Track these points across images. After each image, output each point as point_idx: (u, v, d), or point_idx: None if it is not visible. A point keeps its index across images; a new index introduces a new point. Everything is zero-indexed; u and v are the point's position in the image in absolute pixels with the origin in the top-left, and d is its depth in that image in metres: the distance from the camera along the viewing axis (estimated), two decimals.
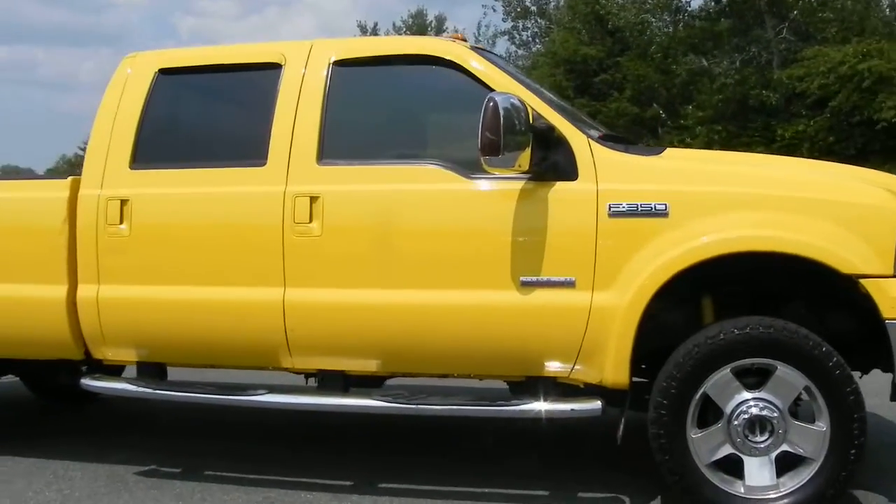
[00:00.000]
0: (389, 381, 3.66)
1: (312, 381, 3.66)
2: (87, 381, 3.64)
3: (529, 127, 2.98)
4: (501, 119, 2.90)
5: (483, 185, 3.20)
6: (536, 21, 30.89)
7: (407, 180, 3.27)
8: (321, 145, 3.35)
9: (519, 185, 3.14)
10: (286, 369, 3.49)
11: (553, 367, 3.19)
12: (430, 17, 42.88)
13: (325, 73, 3.44)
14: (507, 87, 3.24)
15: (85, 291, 3.56)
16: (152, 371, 3.66)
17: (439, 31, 42.80)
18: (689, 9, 22.12)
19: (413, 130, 3.61)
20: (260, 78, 3.57)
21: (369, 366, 3.37)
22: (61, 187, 3.65)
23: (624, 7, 23.68)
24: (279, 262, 3.32)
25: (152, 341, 3.55)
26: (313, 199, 3.29)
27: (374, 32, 41.06)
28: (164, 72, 3.66)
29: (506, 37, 32.14)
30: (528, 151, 2.97)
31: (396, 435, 4.28)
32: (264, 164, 3.39)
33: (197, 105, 3.76)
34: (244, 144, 3.55)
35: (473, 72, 3.31)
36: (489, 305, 3.16)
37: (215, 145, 3.64)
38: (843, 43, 18.37)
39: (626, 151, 3.26)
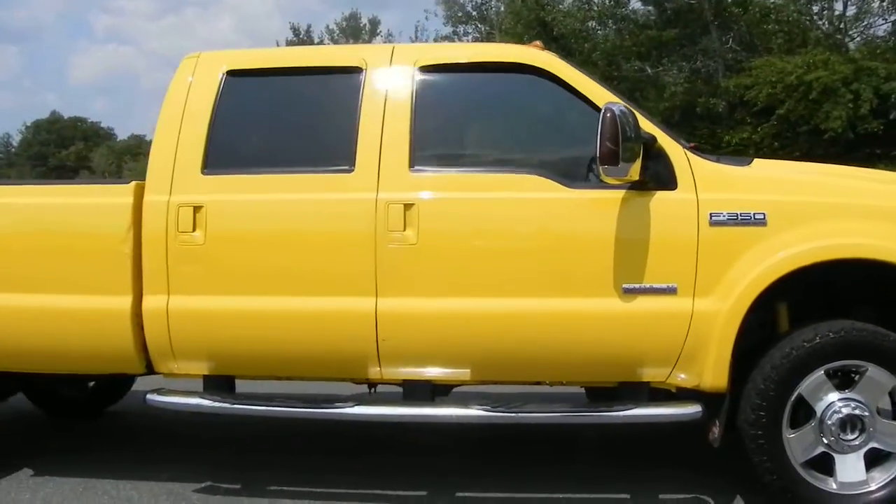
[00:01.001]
0: (456, 389, 3.68)
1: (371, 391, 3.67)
2: (154, 398, 3.52)
3: (640, 137, 3.08)
4: (619, 128, 2.99)
5: (583, 193, 3.29)
6: (477, 26, 31.26)
7: (506, 188, 3.32)
8: (412, 152, 3.36)
9: (620, 194, 3.25)
10: (369, 380, 3.47)
11: (651, 372, 3.31)
12: (364, 21, 42.76)
13: (410, 78, 3.47)
14: (602, 96, 3.35)
15: (152, 302, 3.45)
16: (221, 384, 3.57)
17: (373, 34, 42.78)
18: (634, 17, 22.81)
19: (504, 138, 3.66)
20: (339, 82, 3.56)
21: (462, 375, 3.40)
22: (125, 192, 3.53)
23: (569, 14, 24.22)
24: (371, 271, 3.31)
25: (227, 353, 3.47)
26: (407, 206, 3.30)
27: (308, 35, 40.64)
28: (232, 73, 3.60)
29: (445, 41, 32.32)
30: (639, 161, 3.07)
31: (459, 443, 4.29)
32: (352, 170, 3.38)
33: (270, 108, 3.67)
34: (327, 150, 3.52)
35: (568, 81, 3.41)
36: (592, 313, 3.25)
37: (294, 150, 3.59)
38: (788, 54, 19.43)
39: (718, 161, 3.39)
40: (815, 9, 21.19)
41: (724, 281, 3.18)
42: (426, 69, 3.48)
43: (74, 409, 5.10)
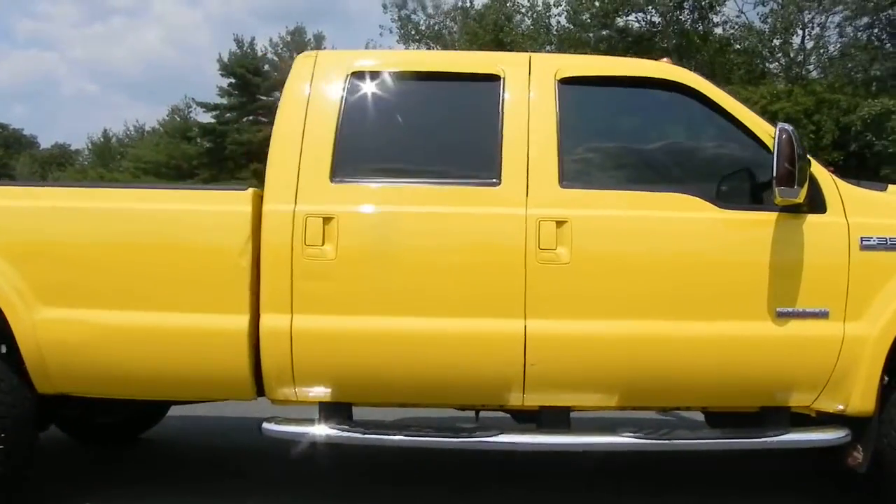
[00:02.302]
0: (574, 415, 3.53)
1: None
2: (272, 427, 3.23)
3: (805, 158, 3.07)
4: (795, 149, 2.97)
5: (737, 215, 3.25)
6: (429, 45, 31.31)
7: (662, 208, 3.24)
8: (561, 166, 3.25)
9: (773, 216, 3.22)
10: (506, 407, 3.31)
11: (798, 396, 3.29)
12: (309, 35, 42.42)
13: (551, 89, 3.36)
14: (749, 118, 3.35)
15: (272, 322, 3.19)
16: (339, 412, 3.32)
17: (318, 48, 42.39)
18: (593, 43, 23.33)
19: (652, 156, 3.58)
20: (475, 89, 3.42)
21: (607, 401, 3.30)
22: (242, 200, 3.27)
23: (527, 36, 24.59)
24: (520, 291, 3.16)
25: (356, 379, 3.25)
26: (559, 223, 3.18)
27: (252, 46, 40.02)
28: (357, 75, 3.41)
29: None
30: (807, 183, 3.06)
31: (552, 468, 4.13)
32: (498, 183, 3.24)
33: (400, 114, 3.48)
34: (468, 161, 3.38)
35: (713, 98, 3.37)
36: (745, 336, 3.21)
37: (430, 160, 3.43)
38: (749, 84, 20.20)
39: (859, 186, 3.42)
40: (777, 41, 22.17)
41: (874, 305, 3.20)
42: (567, 81, 3.38)
43: (108, 435, 4.74)
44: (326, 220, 3.20)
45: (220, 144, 40.01)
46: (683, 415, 3.70)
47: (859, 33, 21.52)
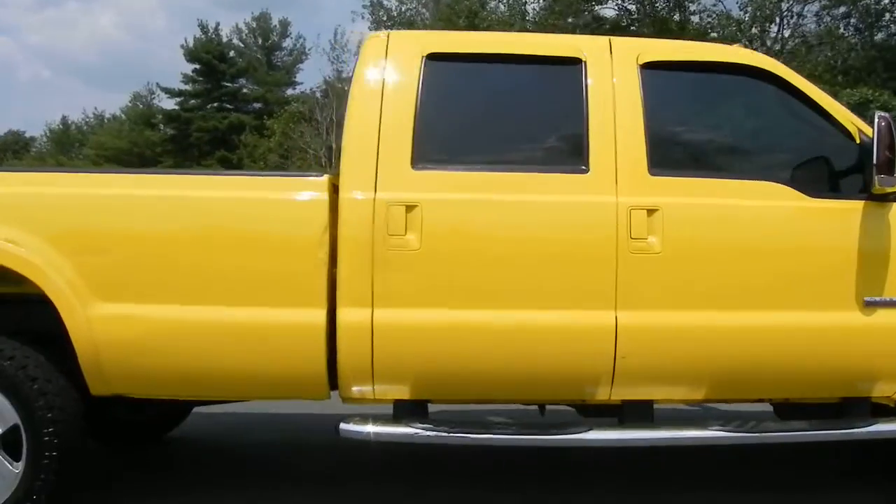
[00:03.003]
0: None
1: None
2: (351, 428, 3.07)
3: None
4: (895, 137, 2.92)
5: (825, 203, 3.20)
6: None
7: (751, 196, 3.18)
8: (649, 153, 3.16)
9: (859, 205, 3.19)
10: (590, 402, 3.21)
11: (880, 386, 3.27)
12: (275, 21, 41.76)
13: (634, 74, 3.25)
14: (831, 106, 3.32)
15: (351, 316, 3.04)
16: (415, 409, 3.19)
17: (283, 35, 41.78)
18: (570, 30, 23.28)
19: (734, 143, 3.52)
20: (555, 73, 3.30)
21: (694, 393, 3.23)
22: (318, 187, 3.10)
23: (502, 21, 24.44)
24: (611, 282, 3.07)
25: (439, 374, 3.11)
26: (650, 211, 3.09)
27: (217, 32, 39.25)
28: (432, 57, 3.25)
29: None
30: None
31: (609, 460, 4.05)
32: (587, 170, 3.14)
33: (479, 98, 3.36)
34: (553, 147, 3.28)
35: (797, 86, 3.31)
36: (833, 326, 3.16)
37: (513, 146, 3.31)
38: None
39: None
40: (755, 30, 22.41)
41: None
42: (649, 66, 3.27)
43: (134, 434, 4.53)
44: (409, 208, 3.05)
45: (185, 131, 39.32)
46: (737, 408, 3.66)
47: (836, 22, 21.88)
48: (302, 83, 45.66)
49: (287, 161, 31.61)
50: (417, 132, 3.14)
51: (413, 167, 3.11)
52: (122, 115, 43.99)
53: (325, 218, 3.04)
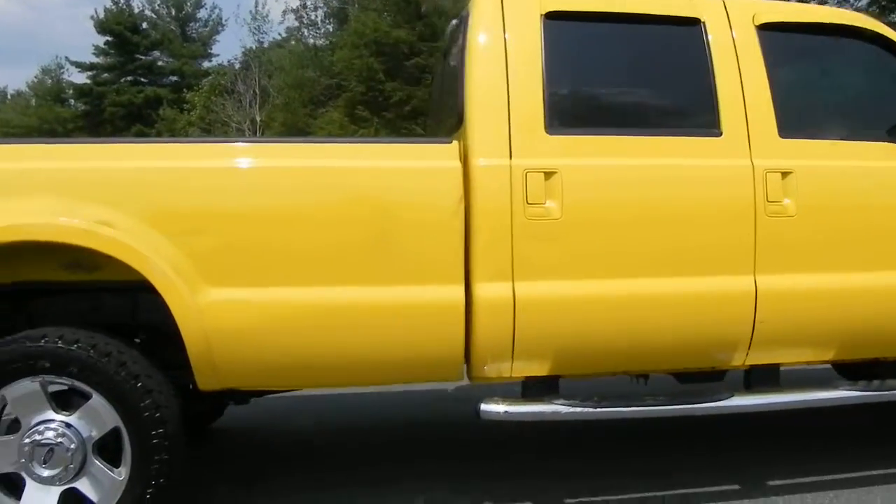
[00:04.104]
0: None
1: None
2: (490, 408, 2.83)
3: None
4: None
5: None
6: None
7: (877, 158, 3.10)
8: (777, 116, 3.02)
9: None
10: (729, 368, 3.10)
11: None
12: None
13: (753, 35, 3.10)
14: None
15: (489, 291, 2.79)
16: (546, 386, 2.97)
17: (198, 5, 39.75)
18: None
19: (855, 105, 3.40)
20: (675, 33, 3.09)
21: (823, 354, 3.15)
22: (449, 154, 2.80)
23: None
24: (749, 246, 2.94)
25: (579, 349, 2.90)
26: (784, 174, 2.97)
27: (128, 3, 37.01)
28: (550, 16, 2.99)
29: (292, 15, 30.80)
30: None
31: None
32: (720, 134, 2.98)
33: (603, 59, 3.11)
34: (682, 110, 3.09)
35: None
36: None
37: (642, 109, 3.10)
38: None
39: None
40: None
41: None
42: (765, 27, 3.12)
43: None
44: (548, 174, 2.81)
45: (98, 106, 37.09)
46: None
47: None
48: (218, 55, 43.82)
49: (210, 135, 30.29)
50: (547, 95, 2.89)
51: (547, 132, 2.87)
52: (28, 91, 40.97)
53: (459, 186, 2.76)
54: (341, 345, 2.75)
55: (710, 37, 3.05)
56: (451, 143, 2.84)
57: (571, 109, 2.99)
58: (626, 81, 3.13)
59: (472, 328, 2.79)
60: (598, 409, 2.87)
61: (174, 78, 38.03)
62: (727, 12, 3.12)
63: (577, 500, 3.17)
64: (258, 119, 30.88)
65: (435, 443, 4.03)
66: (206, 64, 38.94)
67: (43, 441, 2.66)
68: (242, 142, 3.42)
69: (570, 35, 3.02)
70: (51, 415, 2.69)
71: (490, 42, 2.93)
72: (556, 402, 2.88)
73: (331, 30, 30.16)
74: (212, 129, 30.83)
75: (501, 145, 2.82)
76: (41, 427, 2.68)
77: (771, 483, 3.30)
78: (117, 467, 2.71)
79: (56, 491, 2.68)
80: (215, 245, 2.68)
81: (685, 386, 3.20)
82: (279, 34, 33.49)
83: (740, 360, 3.03)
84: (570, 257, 2.83)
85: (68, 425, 2.68)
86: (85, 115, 37.09)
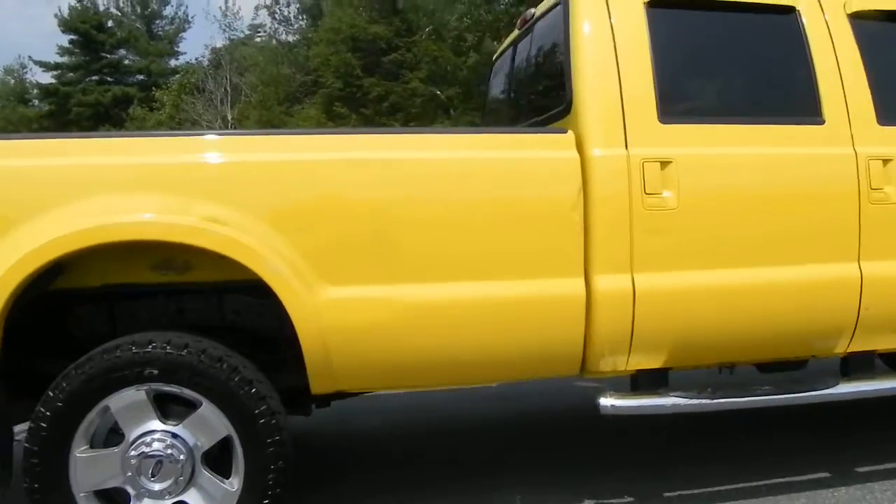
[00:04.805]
0: None
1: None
2: (611, 402, 2.77)
3: None
4: None
5: None
6: None
7: None
8: (875, 104, 3.01)
9: None
10: (831, 356, 3.07)
11: None
12: None
13: (846, 23, 3.07)
14: None
15: (609, 283, 2.72)
16: (655, 379, 2.91)
17: (164, 2, 38.90)
18: None
19: None
20: (773, 22, 3.05)
21: None
22: (564, 144, 2.70)
23: None
24: (854, 233, 2.92)
25: (693, 340, 2.84)
26: (885, 161, 2.96)
27: (93, 1, 35.95)
28: (651, 5, 2.92)
29: (264, 11, 30.20)
30: None
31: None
32: (822, 122, 2.96)
33: (705, 47, 3.04)
34: (785, 98, 3.04)
35: None
36: None
37: (746, 97, 3.05)
38: None
39: None
40: None
41: None
42: (857, 15, 3.09)
43: None
44: (664, 164, 2.75)
45: (64, 106, 36.01)
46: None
47: None
48: (185, 53, 42.99)
49: None
50: (658, 85, 2.82)
51: (660, 121, 2.81)
52: None
53: (578, 177, 2.68)
54: (459, 342, 2.65)
55: (806, 26, 3.01)
56: (566, 132, 2.75)
57: (681, 98, 2.94)
58: (728, 69, 3.08)
59: (590, 322, 2.72)
60: (717, 401, 2.82)
61: (141, 77, 37.09)
62: (819, 1, 3.09)
63: (677, 493, 3.13)
64: (230, 117, 30.36)
65: (525, 438, 3.99)
66: (173, 62, 38.15)
67: (151, 453, 2.52)
68: (359, 133, 3.30)
69: (672, 23, 2.94)
70: (157, 425, 2.55)
71: (597, 29, 2.85)
72: (673, 394, 2.83)
73: (304, 26, 29.73)
74: (182, 127, 30.23)
75: (617, 135, 2.75)
76: (147, 438, 2.53)
77: (860, 470, 3.30)
78: (227, 478, 2.58)
79: None
80: (332, 242, 2.57)
81: (784, 374, 3.17)
82: (248, 31, 32.94)
83: (843, 347, 3.01)
84: (686, 247, 2.77)
85: (175, 435, 2.55)
86: (50, 115, 35.99)
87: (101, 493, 2.56)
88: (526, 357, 2.73)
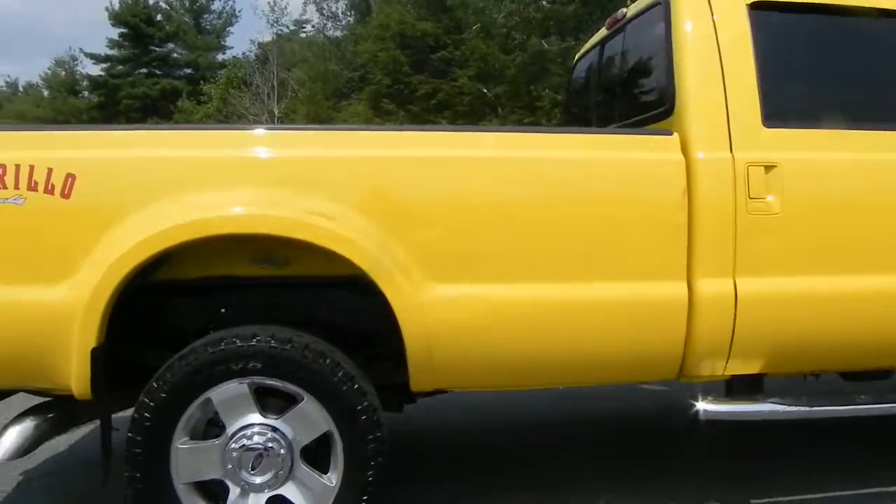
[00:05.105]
0: None
1: None
2: (711, 407, 2.74)
3: None
4: None
5: None
6: None
7: None
8: None
9: None
10: None
11: None
12: None
13: None
14: None
15: (712, 287, 2.68)
16: (749, 385, 2.88)
17: None
18: None
19: None
20: (874, 26, 2.98)
21: None
22: (672, 146, 2.67)
23: None
24: None
25: (793, 346, 2.80)
26: None
27: None
28: (754, 6, 2.87)
29: (312, 6, 30.50)
30: None
31: None
32: None
33: (805, 50, 2.99)
34: (885, 103, 2.97)
35: None
36: None
37: (851, 102, 2.97)
38: None
39: None
40: None
41: None
42: None
43: None
44: (768, 168, 2.71)
45: (113, 98, 36.88)
46: None
47: None
48: (232, 47, 43.63)
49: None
50: (762, 88, 2.78)
51: (764, 125, 2.76)
52: (40, 83, 40.79)
53: (683, 180, 2.65)
54: (561, 343, 2.64)
55: None
56: (672, 134, 2.72)
57: (784, 103, 2.87)
58: (833, 73, 3.01)
59: (692, 325, 2.69)
60: (816, 409, 2.78)
61: (189, 70, 37.85)
62: None
63: (763, 500, 3.07)
64: (276, 112, 30.74)
65: (609, 441, 3.97)
66: (220, 56, 38.79)
67: (252, 446, 2.55)
68: (467, 130, 3.31)
69: (774, 25, 2.88)
70: (257, 418, 2.57)
71: (700, 30, 2.80)
72: (770, 401, 2.79)
73: (351, 21, 29.94)
74: (229, 121, 30.68)
75: (721, 138, 2.71)
76: (248, 431, 2.56)
77: None
78: (325, 473, 2.60)
79: (262, 498, 2.57)
80: (438, 239, 2.56)
81: (883, 383, 3.10)
82: (295, 26, 33.31)
83: None
84: (788, 252, 2.73)
85: (274, 429, 2.57)
86: (100, 106, 36.91)
87: (197, 485, 2.59)
88: (627, 360, 2.71)
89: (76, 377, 2.50)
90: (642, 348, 2.69)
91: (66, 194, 2.47)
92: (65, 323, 2.46)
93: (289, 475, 2.57)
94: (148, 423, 2.50)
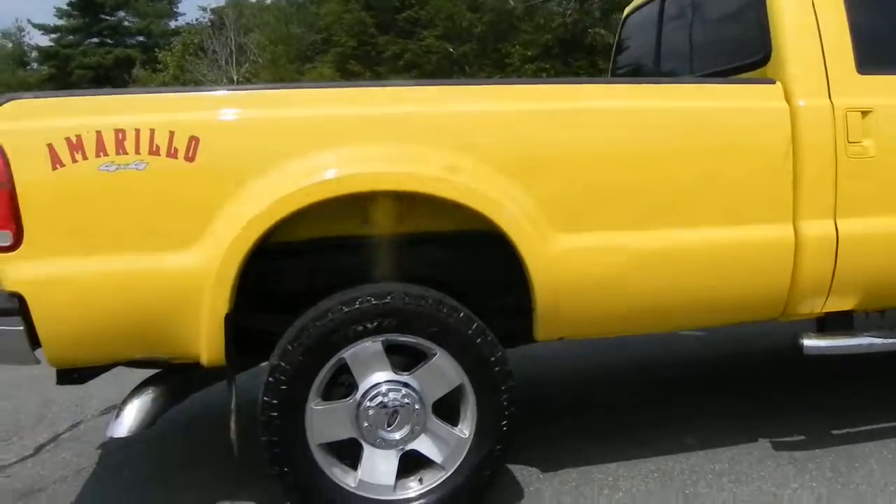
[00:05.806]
0: None
1: None
2: (814, 342, 2.89)
3: None
4: None
5: None
6: None
7: None
8: None
9: None
10: None
11: None
12: None
13: None
14: None
15: (815, 228, 2.80)
16: (840, 321, 3.03)
17: None
18: None
19: None
20: None
21: None
22: (776, 95, 2.76)
23: None
24: None
25: (886, 283, 2.94)
26: None
27: None
28: None
29: None
30: None
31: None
32: None
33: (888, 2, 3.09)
34: None
35: None
36: None
37: None
38: None
39: None
40: None
41: None
42: None
43: None
44: (864, 113, 2.82)
45: (64, 69, 35.47)
46: None
47: None
48: (185, 14, 42.21)
49: None
50: (854, 36, 2.87)
51: (858, 72, 2.87)
52: None
53: (788, 127, 2.74)
54: (678, 288, 2.73)
55: None
56: (775, 83, 2.80)
57: (875, 50, 2.95)
58: None
59: (797, 265, 2.81)
60: None
61: (141, 38, 36.61)
62: None
63: (841, 430, 3.26)
64: (235, 78, 30.00)
65: (691, 382, 4.11)
66: (173, 23, 37.55)
67: (387, 403, 2.58)
68: (587, 82, 3.37)
69: None
70: (389, 375, 2.60)
71: None
72: (865, 335, 2.95)
73: None
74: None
75: (820, 85, 2.81)
76: (382, 388, 2.59)
77: None
78: (455, 426, 2.67)
79: (395, 454, 2.62)
80: (564, 190, 2.60)
81: None
82: None
83: None
84: (884, 193, 2.86)
85: (406, 384, 2.61)
86: (51, 78, 35.51)
87: (330, 446, 2.62)
88: (737, 301, 2.82)
89: (208, 344, 2.48)
90: (752, 289, 2.80)
91: (190, 157, 2.41)
92: (194, 290, 2.43)
93: (423, 429, 2.63)
94: (284, 387, 2.51)
